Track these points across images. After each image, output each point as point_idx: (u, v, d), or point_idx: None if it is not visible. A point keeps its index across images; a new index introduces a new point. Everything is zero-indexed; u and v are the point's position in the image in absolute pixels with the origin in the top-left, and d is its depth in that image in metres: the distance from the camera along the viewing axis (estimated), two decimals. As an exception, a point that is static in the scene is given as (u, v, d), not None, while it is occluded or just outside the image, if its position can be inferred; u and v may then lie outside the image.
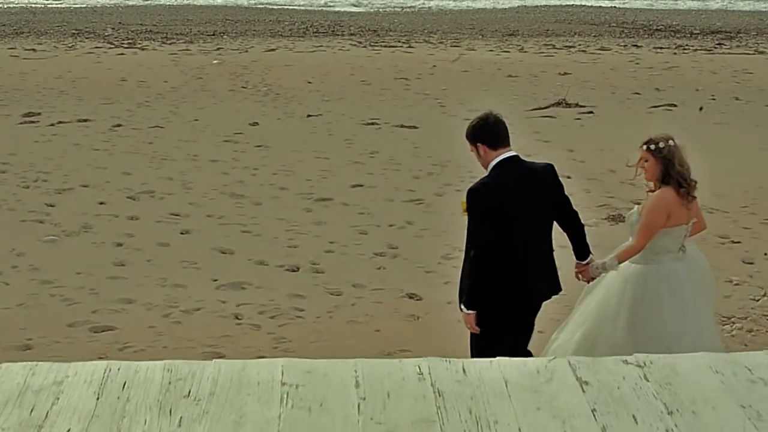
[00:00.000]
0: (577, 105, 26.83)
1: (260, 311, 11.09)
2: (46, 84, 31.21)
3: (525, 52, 40.71)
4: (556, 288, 7.93)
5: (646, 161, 7.97)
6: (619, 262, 8.02)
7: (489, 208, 7.44)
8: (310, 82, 31.41)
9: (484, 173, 7.74)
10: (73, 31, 51.75)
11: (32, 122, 24.17)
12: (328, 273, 12.52)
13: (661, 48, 41.37)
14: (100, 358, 9.59)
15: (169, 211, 15.32)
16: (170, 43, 44.89)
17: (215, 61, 37.20)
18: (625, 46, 42.29)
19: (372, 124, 23.91)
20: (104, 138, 21.83)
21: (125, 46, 43.85)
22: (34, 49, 41.95)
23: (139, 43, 44.87)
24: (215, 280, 12.11)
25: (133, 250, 13.31)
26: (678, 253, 8.03)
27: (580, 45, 43.04)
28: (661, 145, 7.86)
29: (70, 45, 44.18)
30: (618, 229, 14.53)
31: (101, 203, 15.81)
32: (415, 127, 23.00)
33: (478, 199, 7.48)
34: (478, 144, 7.60)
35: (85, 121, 24.12)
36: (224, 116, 25.06)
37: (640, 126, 23.36)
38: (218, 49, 42.04)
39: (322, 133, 22.61)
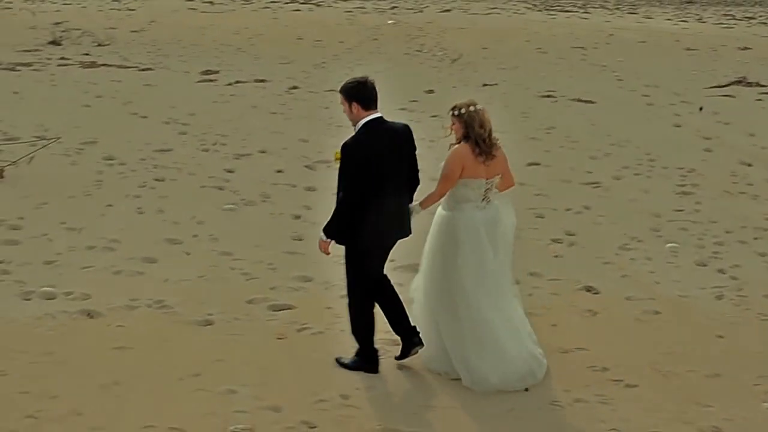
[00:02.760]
0: (758, 84, 26.09)
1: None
2: (223, 40, 31.67)
3: (703, 22, 39.88)
4: (407, 232, 9.15)
5: (453, 124, 8.90)
6: (423, 208, 9.18)
7: (360, 162, 8.54)
8: (485, 48, 31.24)
9: (352, 130, 8.78)
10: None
11: (211, 80, 24.56)
12: (506, 260, 12.42)
13: None
14: (279, 339, 9.77)
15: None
16: (345, 0, 45.10)
17: (390, 21, 37.26)
18: (810, 19, 41.07)
19: (548, 96, 23.68)
20: (281, 101, 22.06)
21: (301, 1, 44.19)
22: (211, 2, 42.62)
23: (316, -1, 45.18)
24: (392, 261, 12.08)
25: (310, 224, 13.36)
26: (480, 203, 9.00)
27: (761, 16, 41.94)
28: (463, 110, 8.79)
29: (245, -1, 44.73)
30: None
31: (279, 171, 15.99)
32: (591, 102, 22.68)
33: (351, 153, 8.56)
34: (353, 102, 8.61)
35: (263, 81, 24.41)
36: (399, 82, 25.05)
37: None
38: (393, 7, 42.14)
39: (497, 104, 22.40)
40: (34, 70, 25.32)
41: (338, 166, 8.73)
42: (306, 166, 16.37)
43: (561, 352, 9.69)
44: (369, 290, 9.13)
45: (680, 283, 11.83)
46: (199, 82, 24.49)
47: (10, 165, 15.30)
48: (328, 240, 8.92)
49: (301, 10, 40.73)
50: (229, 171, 15.94)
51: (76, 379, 8.81)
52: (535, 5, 43.61)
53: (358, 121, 8.65)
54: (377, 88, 8.71)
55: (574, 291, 11.42)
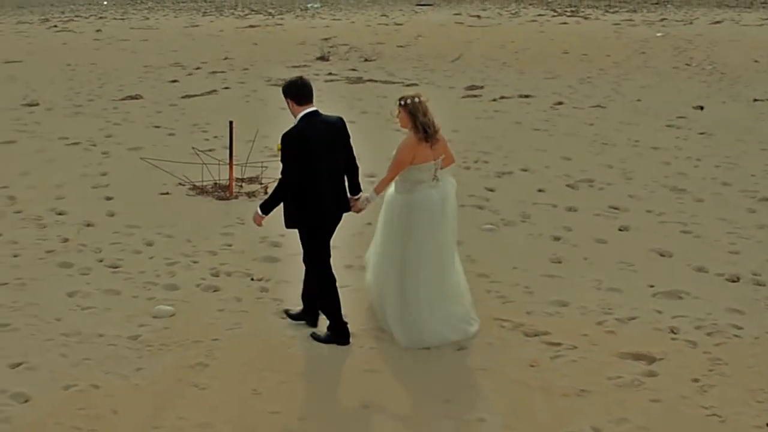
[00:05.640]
0: None
1: (697, 326, 10.60)
2: (489, 54, 31.68)
3: None
4: (345, 209, 10.12)
5: (399, 113, 9.94)
6: (378, 193, 10.13)
7: (297, 150, 9.53)
8: (756, 61, 30.21)
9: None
10: (519, -4, 52.27)
11: (475, 96, 24.56)
12: (770, 286, 11.88)
13: None
14: (532, 366, 9.57)
15: (608, 204, 15.06)
16: (613, 12, 44.57)
17: (659, 34, 36.54)
18: None
19: (823, 112, 22.70)
20: (545, 117, 21.84)
21: (568, 14, 43.89)
22: (478, 16, 42.75)
23: (582, 11, 44.80)
24: (651, 286, 11.73)
25: (569, 246, 13.15)
26: (432, 182, 10.07)
27: None
28: (409, 101, 9.86)
29: (513, 12, 44.73)
30: None
31: (540, 190, 15.79)
32: None
33: (289, 141, 9.55)
34: (288, 99, 9.74)
35: (527, 97, 24.24)
36: (667, 97, 24.51)
37: None
38: (662, 19, 41.32)
39: (769, 120, 21.67)
40: (303, 85, 25.86)
41: (280, 156, 9.72)
42: (568, 186, 16.11)
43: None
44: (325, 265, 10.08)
45: None
46: (463, 97, 24.53)
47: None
48: (263, 215, 9.85)
49: (568, 23, 40.35)
50: (490, 189, 15.84)
51: (325, 401, 8.88)
52: (812, 15, 41.92)
53: (297, 115, 9.72)
54: (312, 86, 9.85)
55: None
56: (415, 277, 10.04)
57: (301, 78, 9.95)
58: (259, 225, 10.02)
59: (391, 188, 10.21)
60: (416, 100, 9.91)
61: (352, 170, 10.23)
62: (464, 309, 10.46)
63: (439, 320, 10.16)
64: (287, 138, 9.57)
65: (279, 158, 9.81)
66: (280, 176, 9.74)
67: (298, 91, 9.72)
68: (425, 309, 10.08)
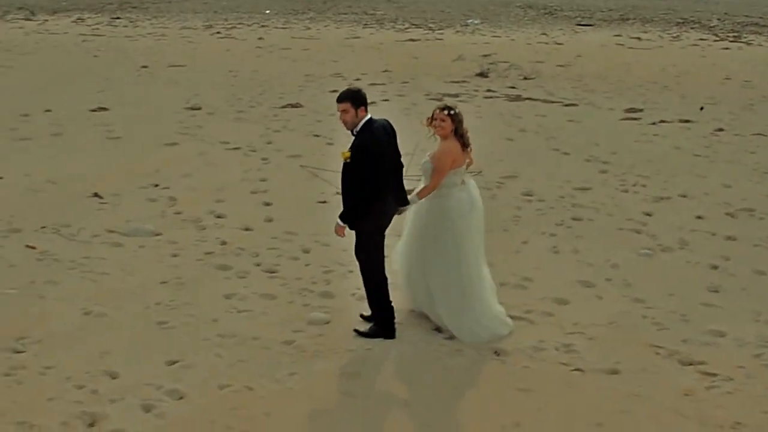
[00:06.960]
0: None
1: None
2: (649, 77, 31.32)
3: None
4: (404, 203, 10.57)
5: (443, 121, 10.48)
6: (420, 198, 10.60)
7: (378, 155, 9.95)
8: None
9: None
10: (678, 20, 51.75)
11: (634, 119, 24.28)
12: None
13: None
14: (686, 395, 9.40)
15: (767, 234, 14.73)
16: (777, 39, 43.61)
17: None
18: None
19: None
20: (705, 143, 21.50)
21: (730, 39, 43.19)
22: (639, 38, 42.31)
23: (745, 37, 44.02)
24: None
25: (727, 275, 12.90)
26: (461, 185, 10.64)
27: None
28: (457, 110, 10.52)
29: (674, 35, 44.17)
30: None
31: (699, 217, 15.52)
32: None
33: (375, 147, 9.94)
34: (361, 107, 10.05)
35: (687, 122, 23.90)
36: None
37: None
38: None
39: None
40: (461, 101, 25.93)
41: (344, 164, 10.03)
42: (727, 214, 15.81)
43: None
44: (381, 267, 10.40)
45: None
46: (622, 119, 24.29)
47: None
48: (345, 225, 10.13)
49: (730, 49, 39.68)
50: (647, 214, 15.64)
51: (478, 417, 8.87)
52: None
53: (361, 121, 10.07)
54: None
55: None
56: (465, 276, 10.54)
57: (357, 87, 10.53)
58: (342, 236, 10.32)
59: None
60: (459, 110, 10.60)
61: (399, 168, 10.58)
62: (498, 306, 10.92)
63: (491, 315, 10.69)
64: (371, 144, 9.95)
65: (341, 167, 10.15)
66: (347, 184, 10.07)
67: (365, 99, 10.16)
68: (477, 306, 10.59)
